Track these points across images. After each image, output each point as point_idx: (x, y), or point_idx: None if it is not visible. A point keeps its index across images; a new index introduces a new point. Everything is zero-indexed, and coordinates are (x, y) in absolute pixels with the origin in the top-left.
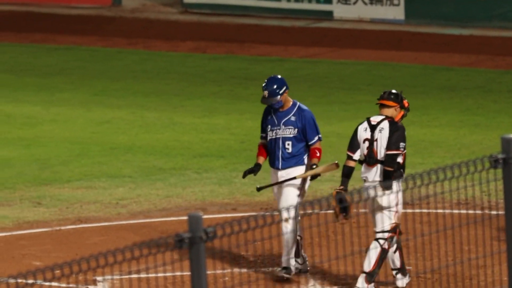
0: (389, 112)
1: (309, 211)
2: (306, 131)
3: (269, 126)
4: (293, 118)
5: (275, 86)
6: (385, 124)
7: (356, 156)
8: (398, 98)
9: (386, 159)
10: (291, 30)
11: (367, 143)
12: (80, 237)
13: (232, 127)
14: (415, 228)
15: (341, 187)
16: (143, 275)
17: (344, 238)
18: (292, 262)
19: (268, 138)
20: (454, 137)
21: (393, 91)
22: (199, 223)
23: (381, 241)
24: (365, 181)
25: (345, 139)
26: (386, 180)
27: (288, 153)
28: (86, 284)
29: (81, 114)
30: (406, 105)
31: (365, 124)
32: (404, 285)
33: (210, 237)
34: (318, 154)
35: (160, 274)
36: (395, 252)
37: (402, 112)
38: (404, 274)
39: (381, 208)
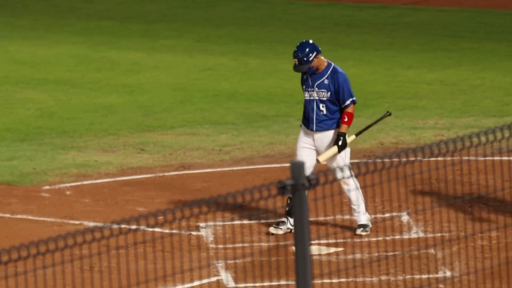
0: None
1: (412, 159)
2: (339, 94)
3: (304, 87)
4: (326, 81)
5: (304, 53)
6: None
7: None
8: None
9: None
10: None
11: None
12: (183, 183)
13: None
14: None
15: None
16: (245, 222)
17: (447, 186)
18: (365, 217)
19: (304, 98)
20: None
21: None
22: (302, 170)
23: None
24: None
25: (449, 87)
26: None
27: (323, 115)
28: (189, 230)
29: (184, 60)
30: None
31: None
32: None
33: (312, 184)
34: (346, 119)
35: (262, 221)
36: None
37: None
38: None
39: None
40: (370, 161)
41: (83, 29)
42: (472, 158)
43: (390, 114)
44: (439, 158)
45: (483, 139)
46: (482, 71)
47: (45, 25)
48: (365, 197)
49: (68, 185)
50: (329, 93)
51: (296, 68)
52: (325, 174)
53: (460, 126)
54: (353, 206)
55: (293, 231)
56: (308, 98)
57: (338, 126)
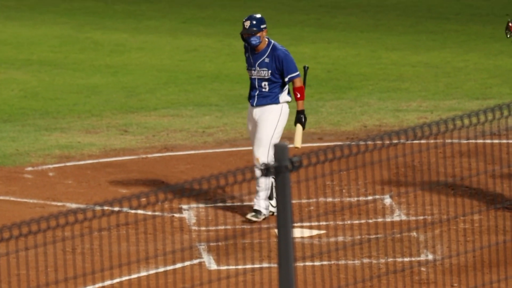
0: None
1: (395, 141)
2: (283, 69)
3: (247, 65)
4: (267, 60)
5: (258, 19)
6: None
7: None
8: None
9: None
10: None
11: None
12: (166, 165)
13: (319, 56)
14: (501, 158)
15: None
16: (228, 204)
17: (430, 168)
18: (262, 204)
19: (249, 75)
20: None
21: None
22: (285, 153)
23: None
24: None
25: (432, 69)
26: None
27: (265, 91)
28: (171, 212)
29: (168, 42)
30: None
31: None
32: None
33: (295, 166)
34: (299, 96)
35: (245, 203)
36: None
37: None
38: None
39: None
40: (353, 143)
41: (67, 9)
42: (455, 141)
43: (307, 68)
44: (422, 141)
45: (466, 122)
46: (466, 53)
47: (30, 5)
48: (347, 180)
49: (51, 166)
50: (269, 71)
51: (245, 30)
52: (308, 156)
53: (444, 109)
54: (257, 190)
55: (275, 214)
56: (251, 76)
57: (276, 101)
